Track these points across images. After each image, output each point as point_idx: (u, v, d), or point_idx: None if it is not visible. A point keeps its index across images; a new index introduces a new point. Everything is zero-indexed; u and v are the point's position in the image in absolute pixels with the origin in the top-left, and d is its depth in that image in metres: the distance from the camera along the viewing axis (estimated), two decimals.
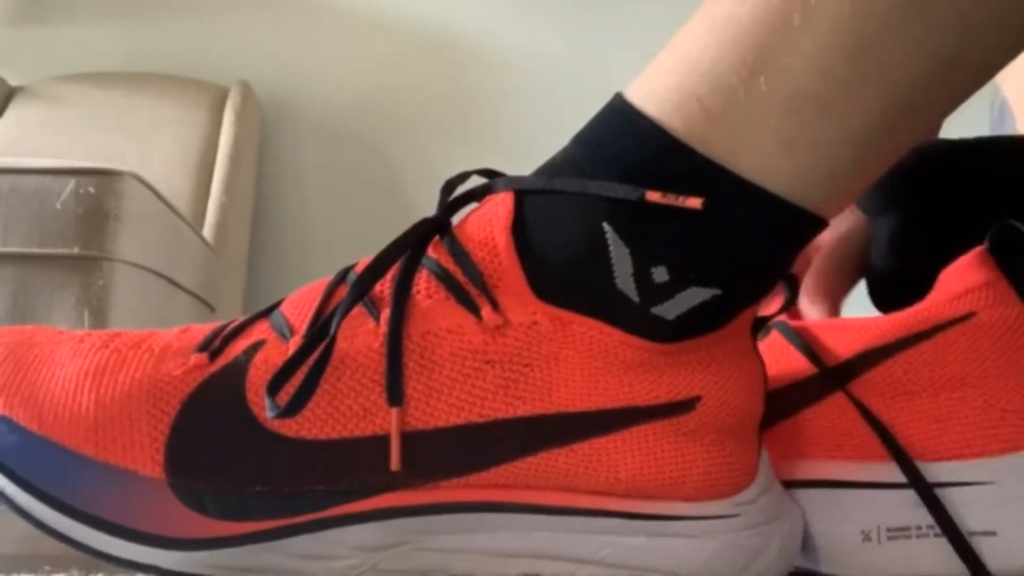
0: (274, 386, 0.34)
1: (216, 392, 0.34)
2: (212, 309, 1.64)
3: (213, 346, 0.35)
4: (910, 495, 0.40)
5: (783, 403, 0.42)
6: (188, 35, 2.03)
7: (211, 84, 1.91)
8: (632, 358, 0.35)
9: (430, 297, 0.36)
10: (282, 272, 1.97)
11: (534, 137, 1.98)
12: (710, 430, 0.36)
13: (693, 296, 0.35)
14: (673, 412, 0.36)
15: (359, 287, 0.36)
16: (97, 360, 0.35)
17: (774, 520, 0.38)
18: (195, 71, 1.94)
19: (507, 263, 0.35)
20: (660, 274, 0.34)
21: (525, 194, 0.36)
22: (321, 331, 0.35)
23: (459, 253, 0.36)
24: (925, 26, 0.32)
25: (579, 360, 0.35)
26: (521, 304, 0.35)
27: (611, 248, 0.34)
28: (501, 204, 0.36)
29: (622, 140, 0.35)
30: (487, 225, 0.36)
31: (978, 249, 0.42)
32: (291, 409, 0.33)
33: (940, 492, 0.40)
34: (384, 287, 0.36)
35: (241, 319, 0.37)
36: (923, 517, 0.40)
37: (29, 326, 0.38)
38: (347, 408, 0.34)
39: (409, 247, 0.37)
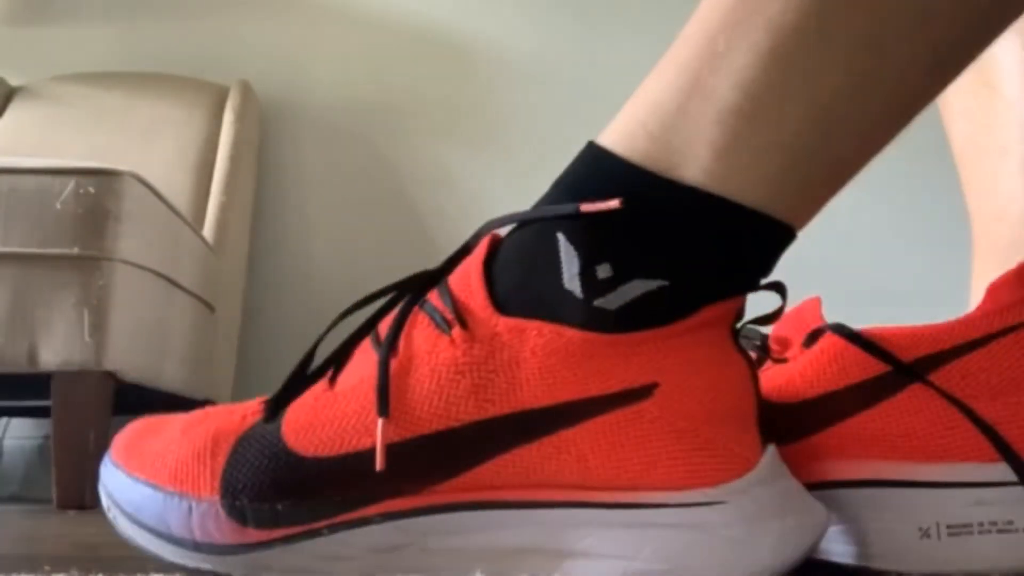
0: (276, 398, 0.43)
1: (260, 432, 0.42)
2: (212, 309, 1.64)
3: (271, 405, 0.44)
4: (971, 493, 0.42)
5: (839, 405, 0.44)
6: (188, 35, 2.03)
7: (211, 84, 1.91)
8: (582, 351, 0.39)
9: (418, 328, 0.42)
10: (282, 272, 1.97)
11: (535, 138, 1.98)
12: (677, 417, 0.39)
13: (636, 288, 0.39)
14: (630, 400, 0.39)
15: (361, 327, 0.44)
16: (190, 419, 0.44)
17: (773, 512, 0.38)
18: (195, 71, 1.95)
19: (475, 287, 0.41)
20: (604, 270, 0.39)
21: (500, 232, 0.43)
22: (327, 362, 0.43)
23: (444, 290, 0.42)
24: (833, 45, 0.37)
25: (536, 361, 0.40)
26: (484, 319, 0.41)
27: (562, 253, 0.40)
28: (481, 247, 0.43)
29: (581, 170, 0.42)
30: (467, 264, 0.42)
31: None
32: (272, 411, 0.42)
33: (997, 491, 0.42)
34: (386, 326, 0.43)
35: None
36: (985, 514, 0.42)
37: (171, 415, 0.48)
38: (352, 428, 0.41)
39: (408, 292, 0.44)
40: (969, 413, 0.42)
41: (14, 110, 1.85)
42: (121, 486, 0.44)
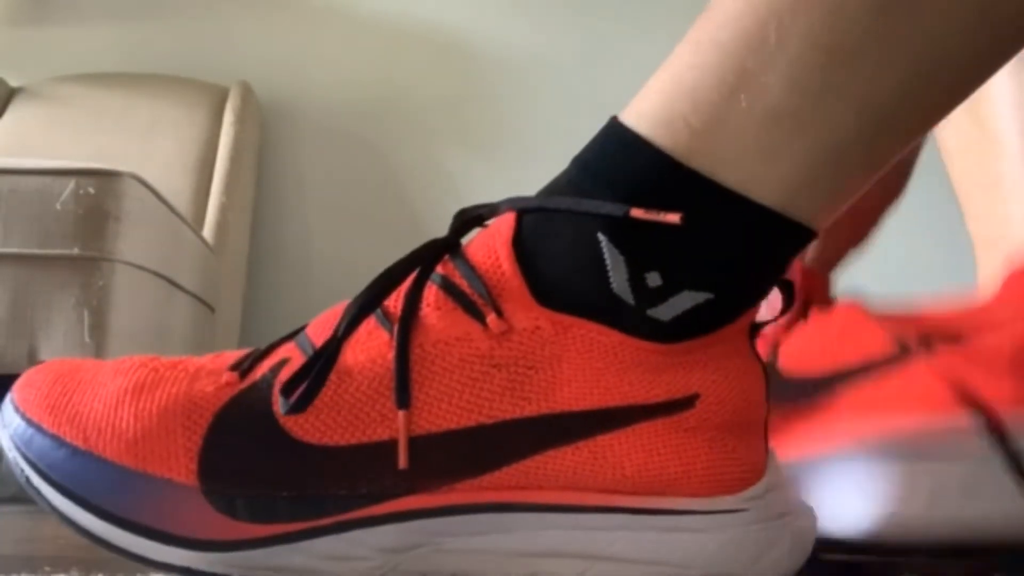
0: (288, 388, 0.37)
1: (246, 405, 0.37)
2: (212, 310, 1.64)
3: (243, 366, 0.38)
4: (981, 461, 0.44)
5: (855, 373, 0.46)
6: (188, 35, 2.03)
7: (211, 84, 1.91)
8: (631, 358, 0.37)
9: (439, 309, 0.38)
10: (282, 272, 1.96)
11: (535, 138, 1.98)
12: (711, 427, 0.38)
13: (687, 300, 0.37)
14: (673, 410, 0.38)
15: (368, 299, 0.38)
16: (136, 378, 0.38)
17: (784, 516, 0.39)
18: (195, 71, 1.95)
19: (509, 274, 0.37)
20: (654, 279, 0.37)
21: (525, 213, 0.39)
22: (333, 340, 0.38)
23: (465, 268, 0.38)
24: (895, 44, 0.34)
25: (580, 361, 0.37)
26: (524, 310, 0.37)
27: (606, 256, 0.37)
28: (503, 223, 0.39)
29: (614, 157, 0.37)
30: (491, 241, 0.38)
31: None
32: (300, 405, 0.36)
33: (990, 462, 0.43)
34: (396, 303, 0.39)
35: (270, 343, 0.40)
36: (995, 481, 0.44)
37: (79, 358, 0.41)
38: (365, 415, 0.37)
39: (419, 264, 0.39)
40: (964, 393, 0.44)
41: (14, 111, 1.85)
42: (46, 451, 0.37)
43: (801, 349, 0.48)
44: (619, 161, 0.37)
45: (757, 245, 0.37)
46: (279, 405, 0.37)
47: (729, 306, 0.38)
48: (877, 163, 0.37)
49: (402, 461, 0.36)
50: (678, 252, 0.37)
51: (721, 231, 0.37)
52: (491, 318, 0.37)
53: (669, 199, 0.36)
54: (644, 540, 0.38)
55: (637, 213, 0.36)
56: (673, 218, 0.36)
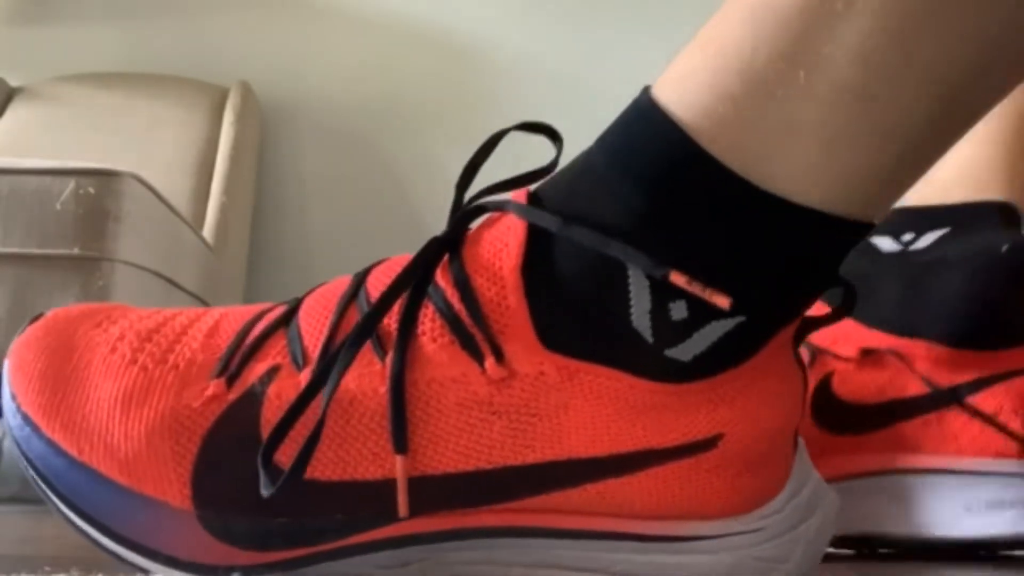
0: (268, 451, 0.34)
1: (234, 427, 0.35)
2: None
3: (231, 369, 0.36)
4: (1005, 480, 0.53)
5: (894, 412, 0.54)
6: (188, 35, 2.03)
7: (211, 84, 1.90)
8: (644, 401, 0.34)
9: (435, 341, 0.35)
10: (282, 272, 1.96)
11: (536, 139, 1.97)
12: (735, 464, 0.35)
13: (713, 331, 0.33)
14: (692, 452, 0.34)
15: (362, 330, 0.35)
16: (124, 384, 0.36)
17: (800, 524, 0.37)
18: (195, 71, 1.94)
19: (515, 307, 0.34)
20: (679, 310, 0.33)
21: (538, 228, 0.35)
22: (320, 376, 0.34)
23: (465, 288, 0.35)
24: (970, 11, 0.30)
25: (588, 408, 0.34)
26: (527, 353, 0.34)
27: (631, 284, 0.33)
28: (513, 237, 0.35)
29: (647, 149, 0.33)
30: (497, 258, 0.35)
31: None
32: (285, 486, 0.33)
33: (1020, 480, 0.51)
34: (391, 322, 0.35)
35: (261, 327, 0.37)
36: (1016, 494, 0.53)
37: (73, 311, 0.39)
38: (356, 452, 0.34)
39: (416, 277, 0.35)
40: (1002, 428, 0.52)
41: (14, 110, 1.85)
42: (45, 456, 0.35)
43: (855, 377, 0.55)
44: (655, 156, 0.33)
45: (802, 255, 0.33)
46: (261, 484, 0.34)
47: (765, 328, 0.34)
48: (940, 144, 0.33)
49: (402, 510, 0.34)
50: (710, 276, 0.32)
51: (761, 247, 0.32)
52: (490, 362, 0.34)
53: (709, 206, 0.32)
54: (651, 562, 0.36)
55: (678, 280, 0.32)
56: (722, 301, 0.32)
